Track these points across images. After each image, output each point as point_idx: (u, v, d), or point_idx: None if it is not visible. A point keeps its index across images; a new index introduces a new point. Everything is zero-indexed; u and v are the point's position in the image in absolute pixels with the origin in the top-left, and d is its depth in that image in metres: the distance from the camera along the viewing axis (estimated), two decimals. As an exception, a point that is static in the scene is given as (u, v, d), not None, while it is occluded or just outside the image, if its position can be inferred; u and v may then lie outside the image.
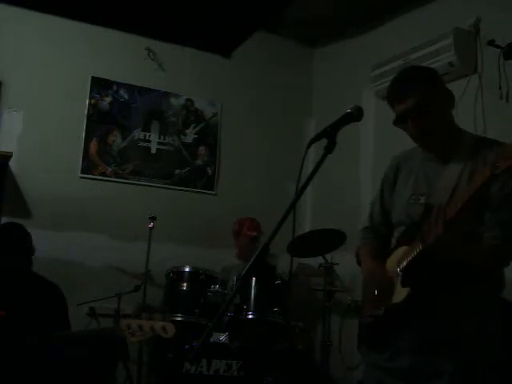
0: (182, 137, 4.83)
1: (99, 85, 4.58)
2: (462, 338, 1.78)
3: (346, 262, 3.98)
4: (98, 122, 4.55)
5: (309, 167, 1.62)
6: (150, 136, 4.72)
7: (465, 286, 1.82)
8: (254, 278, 3.58)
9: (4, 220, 4.02)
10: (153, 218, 3.95)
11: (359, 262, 2.20)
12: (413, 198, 1.96)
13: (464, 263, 1.78)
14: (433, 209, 1.74)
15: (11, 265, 2.95)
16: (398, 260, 1.90)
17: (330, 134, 1.61)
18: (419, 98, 1.86)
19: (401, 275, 1.86)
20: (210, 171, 4.88)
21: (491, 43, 3.53)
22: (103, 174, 4.52)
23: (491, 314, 1.85)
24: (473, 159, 1.86)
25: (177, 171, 4.77)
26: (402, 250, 1.91)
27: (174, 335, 2.33)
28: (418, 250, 1.77)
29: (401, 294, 1.83)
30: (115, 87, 4.63)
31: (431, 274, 1.80)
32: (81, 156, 4.46)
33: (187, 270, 3.72)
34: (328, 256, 3.94)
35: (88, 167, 4.48)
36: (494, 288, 1.90)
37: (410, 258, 1.82)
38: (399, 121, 1.92)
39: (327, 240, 3.83)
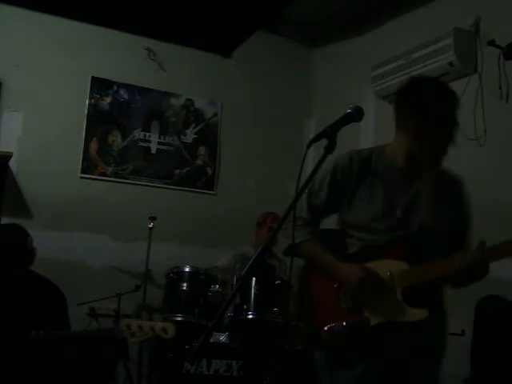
0: (182, 137, 4.83)
1: (99, 85, 4.58)
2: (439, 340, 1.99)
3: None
4: (98, 122, 4.55)
5: (309, 167, 1.62)
6: (150, 136, 4.72)
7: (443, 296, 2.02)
8: (254, 278, 3.58)
9: (4, 220, 4.02)
10: (153, 218, 3.95)
11: (295, 254, 2.04)
12: (387, 208, 1.97)
13: None
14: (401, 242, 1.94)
15: (10, 265, 2.94)
16: (394, 274, 1.90)
17: (330, 134, 1.60)
18: (457, 124, 1.95)
19: (404, 293, 1.88)
20: (209, 171, 4.88)
21: (491, 43, 3.53)
22: (103, 174, 4.52)
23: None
24: (437, 193, 2.00)
25: (177, 171, 4.77)
26: (394, 263, 1.91)
27: (174, 336, 2.32)
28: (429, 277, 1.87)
29: (411, 313, 1.86)
30: (115, 87, 4.63)
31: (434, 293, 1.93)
32: (81, 156, 4.46)
33: (187, 270, 3.71)
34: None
35: (88, 167, 4.48)
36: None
37: (416, 280, 1.87)
38: (437, 123, 1.91)
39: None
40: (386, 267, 1.91)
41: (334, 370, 1.96)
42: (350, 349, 1.92)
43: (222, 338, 3.45)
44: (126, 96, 4.66)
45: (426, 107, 1.89)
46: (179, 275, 3.69)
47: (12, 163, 4.13)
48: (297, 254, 2.03)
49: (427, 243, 1.95)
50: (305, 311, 2.09)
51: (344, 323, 1.92)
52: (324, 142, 1.61)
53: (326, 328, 1.94)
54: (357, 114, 1.68)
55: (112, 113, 4.61)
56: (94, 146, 4.51)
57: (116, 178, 4.56)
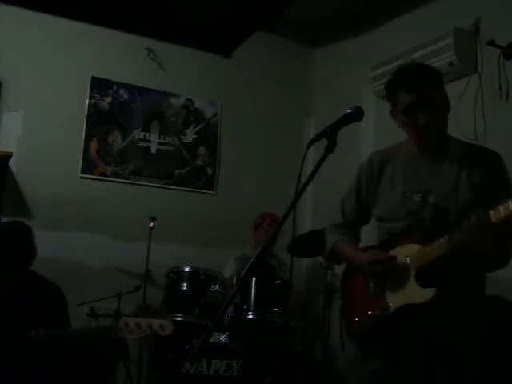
0: (182, 137, 4.83)
1: (99, 85, 4.58)
2: (460, 329, 1.89)
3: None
4: (98, 122, 4.55)
5: (309, 167, 1.62)
6: (150, 136, 4.72)
7: (468, 284, 1.92)
8: (254, 278, 3.58)
9: (4, 220, 4.02)
10: (153, 218, 3.95)
11: (334, 258, 2.24)
12: (406, 195, 2.00)
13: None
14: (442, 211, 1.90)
15: (11, 264, 2.95)
16: (410, 257, 1.90)
17: (330, 134, 1.61)
18: (434, 91, 1.94)
19: (416, 274, 1.87)
20: (209, 171, 4.88)
21: (491, 43, 3.52)
22: (103, 174, 4.52)
23: (482, 307, 1.99)
24: (467, 165, 1.96)
25: (177, 171, 4.77)
26: (410, 247, 1.92)
27: (171, 333, 2.33)
28: (442, 251, 1.81)
29: (421, 293, 1.84)
30: (115, 87, 4.63)
31: (451, 273, 1.86)
32: (81, 156, 4.46)
33: (187, 270, 3.71)
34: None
35: (88, 167, 4.48)
36: (483, 284, 2.02)
37: (430, 258, 1.84)
38: (409, 110, 1.93)
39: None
40: (405, 252, 1.93)
41: (363, 361, 2.04)
42: (377, 338, 1.98)
43: (222, 338, 3.45)
44: (125, 96, 4.66)
45: (396, 95, 1.98)
46: (179, 275, 3.70)
47: (12, 163, 4.13)
48: (334, 257, 2.20)
49: (448, 223, 1.88)
50: (344, 307, 2.20)
51: (369, 312, 1.97)
52: (324, 142, 1.62)
53: (356, 319, 2.02)
54: (357, 114, 1.69)
55: (112, 113, 4.61)
56: (93, 145, 4.51)
57: (116, 177, 4.56)
